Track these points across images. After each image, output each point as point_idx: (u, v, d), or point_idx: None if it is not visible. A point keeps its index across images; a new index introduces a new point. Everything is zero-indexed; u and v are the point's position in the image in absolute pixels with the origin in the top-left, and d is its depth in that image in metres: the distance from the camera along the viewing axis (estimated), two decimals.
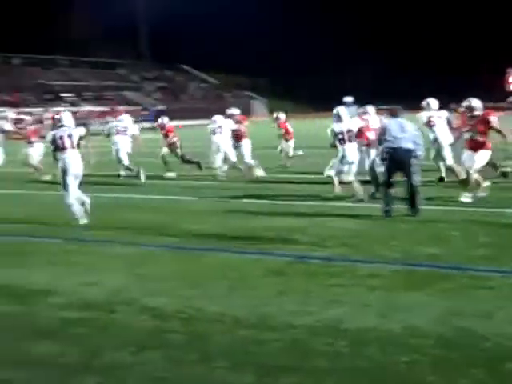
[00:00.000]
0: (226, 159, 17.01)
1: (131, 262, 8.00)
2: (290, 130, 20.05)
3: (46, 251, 8.85)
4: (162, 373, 4.66)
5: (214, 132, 17.08)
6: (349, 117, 12.75)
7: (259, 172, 16.97)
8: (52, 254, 8.64)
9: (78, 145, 11.17)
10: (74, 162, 10.92)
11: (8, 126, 18.07)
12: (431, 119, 14.40)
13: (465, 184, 11.86)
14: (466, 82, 59.63)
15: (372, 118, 14.37)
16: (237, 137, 17.35)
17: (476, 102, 12.00)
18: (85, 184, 11.24)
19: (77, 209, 10.75)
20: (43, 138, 15.92)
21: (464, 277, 6.79)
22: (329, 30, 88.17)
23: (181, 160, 18.22)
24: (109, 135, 18.43)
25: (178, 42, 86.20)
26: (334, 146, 12.47)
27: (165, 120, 19.05)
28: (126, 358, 4.92)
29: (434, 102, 14.62)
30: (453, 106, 16.49)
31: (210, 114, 19.30)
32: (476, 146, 11.67)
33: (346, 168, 12.34)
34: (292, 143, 19.98)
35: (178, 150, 18.17)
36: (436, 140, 14.15)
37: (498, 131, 11.66)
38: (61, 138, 11.02)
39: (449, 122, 14.23)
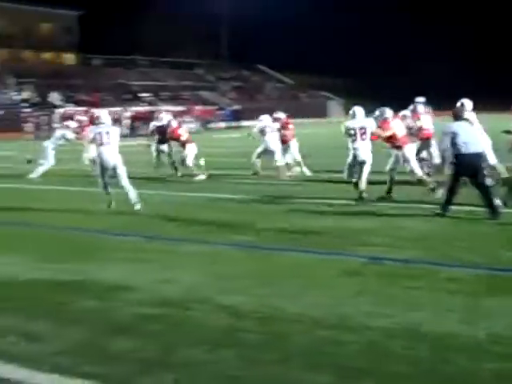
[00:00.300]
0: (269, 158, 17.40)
1: (205, 260, 8.02)
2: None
3: (121, 248, 8.96)
4: (235, 372, 4.63)
5: (263, 132, 17.34)
6: (364, 116, 12.81)
7: (307, 172, 17.29)
8: (128, 250, 8.74)
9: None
10: (110, 157, 11.92)
11: (70, 135, 18.60)
12: None
13: None
14: None
15: (424, 118, 14.59)
16: (283, 141, 17.57)
17: None
18: (153, 182, 11.39)
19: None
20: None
21: None
22: (405, 30, 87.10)
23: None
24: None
25: (256, 42, 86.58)
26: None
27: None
28: (201, 356, 4.91)
29: (468, 103, 14.40)
30: None
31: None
32: None
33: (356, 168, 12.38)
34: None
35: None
36: None
37: None
38: (99, 134, 12.10)
39: None
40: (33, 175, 17.61)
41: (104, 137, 12.07)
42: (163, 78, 79.58)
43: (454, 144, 10.21)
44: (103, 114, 12.88)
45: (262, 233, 9.68)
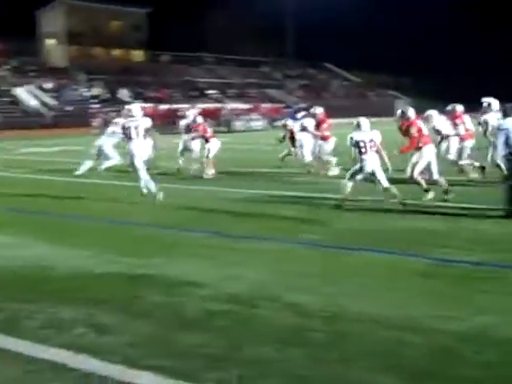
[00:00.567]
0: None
1: (273, 258, 8.01)
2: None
3: (189, 243, 9.02)
4: (303, 371, 4.61)
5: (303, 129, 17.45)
6: (369, 128, 12.20)
7: (334, 171, 17.03)
8: (195, 246, 8.81)
9: (145, 135, 13.02)
10: (139, 150, 12.63)
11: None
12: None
13: None
14: None
15: (465, 119, 14.78)
16: (321, 137, 17.55)
17: None
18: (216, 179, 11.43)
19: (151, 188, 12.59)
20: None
21: None
22: (473, 29, 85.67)
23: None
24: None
25: (322, 40, 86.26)
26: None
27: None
28: (268, 354, 4.91)
29: (495, 103, 14.11)
30: None
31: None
32: None
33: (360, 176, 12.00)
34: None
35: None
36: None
37: None
38: (128, 128, 12.74)
39: None
40: (78, 172, 17.58)
41: (133, 132, 12.69)
42: (229, 75, 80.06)
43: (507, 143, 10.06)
44: (135, 107, 13.44)
45: (329, 231, 9.64)
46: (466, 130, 15.45)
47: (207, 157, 17.48)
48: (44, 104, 56.47)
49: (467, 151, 15.47)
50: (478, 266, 7.42)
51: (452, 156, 15.60)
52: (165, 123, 37.90)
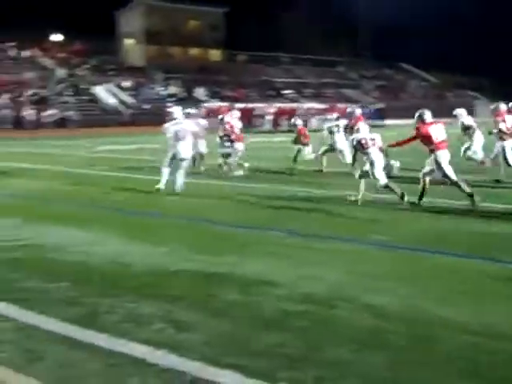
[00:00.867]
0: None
1: (349, 259, 7.94)
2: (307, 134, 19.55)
3: (264, 242, 9.02)
4: (382, 373, 4.55)
5: (331, 131, 17.22)
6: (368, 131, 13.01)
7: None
8: (270, 244, 8.80)
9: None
10: (185, 151, 13.90)
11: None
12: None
13: None
14: None
15: (508, 118, 15.01)
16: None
17: None
18: (289, 178, 11.39)
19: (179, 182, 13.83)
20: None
21: None
22: None
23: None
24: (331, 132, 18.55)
25: (398, 40, 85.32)
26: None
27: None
28: (346, 355, 4.85)
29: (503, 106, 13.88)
30: None
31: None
32: None
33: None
34: (310, 148, 19.30)
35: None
36: None
37: None
38: (179, 131, 13.83)
39: None
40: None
41: (181, 133, 13.83)
42: (305, 75, 79.91)
43: None
44: (176, 110, 14.56)
45: (405, 233, 9.50)
46: (508, 128, 15.52)
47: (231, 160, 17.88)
48: (122, 102, 57.50)
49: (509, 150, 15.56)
50: None
51: (480, 155, 16.72)
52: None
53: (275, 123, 51.60)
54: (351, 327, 5.46)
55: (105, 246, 8.76)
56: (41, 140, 35.25)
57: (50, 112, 49.57)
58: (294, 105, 56.63)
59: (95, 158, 24.28)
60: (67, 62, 63.10)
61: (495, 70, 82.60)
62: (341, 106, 57.37)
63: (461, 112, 17.89)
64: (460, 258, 7.91)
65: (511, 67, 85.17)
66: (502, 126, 15.35)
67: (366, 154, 12.57)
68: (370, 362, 4.73)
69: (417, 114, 12.66)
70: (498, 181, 15.25)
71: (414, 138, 12.51)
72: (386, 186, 12.28)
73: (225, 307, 6.04)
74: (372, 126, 15.60)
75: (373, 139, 12.71)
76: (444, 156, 12.11)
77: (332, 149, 18.11)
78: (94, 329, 5.42)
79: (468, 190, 11.87)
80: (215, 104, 52.73)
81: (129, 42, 74.70)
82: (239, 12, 79.38)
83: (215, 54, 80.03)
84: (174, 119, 14.24)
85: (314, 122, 49.09)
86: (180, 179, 14.03)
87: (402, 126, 18.04)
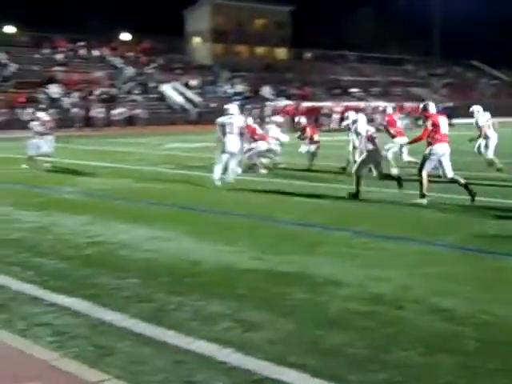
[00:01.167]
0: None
1: (416, 260, 7.85)
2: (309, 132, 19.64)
3: (330, 242, 9.01)
4: (453, 379, 4.46)
5: (349, 128, 16.98)
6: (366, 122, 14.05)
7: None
8: (336, 244, 8.78)
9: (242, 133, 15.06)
10: (232, 144, 14.52)
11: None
12: None
13: None
14: None
15: None
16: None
17: None
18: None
19: (216, 173, 14.63)
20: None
21: None
22: None
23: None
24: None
25: (469, 38, 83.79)
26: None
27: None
28: (414, 358, 4.80)
29: None
30: None
31: (501, 112, 18.67)
32: None
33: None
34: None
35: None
36: None
37: None
38: (224, 125, 14.58)
39: None
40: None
41: (228, 127, 14.57)
42: (372, 73, 79.24)
43: None
44: (232, 107, 15.44)
45: (468, 233, 9.35)
46: None
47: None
48: (189, 100, 58.07)
49: None
50: None
51: (490, 155, 17.14)
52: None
53: (341, 122, 51.33)
54: (419, 329, 5.39)
55: (173, 243, 8.88)
56: (110, 138, 35.84)
57: (118, 110, 50.41)
58: (361, 103, 56.14)
59: (163, 155, 24.56)
60: (136, 60, 64.03)
61: None
62: (409, 104, 56.78)
63: (478, 109, 17.70)
64: None
65: None
66: None
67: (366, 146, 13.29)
68: (440, 366, 4.66)
69: (421, 106, 12.89)
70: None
71: (426, 129, 12.37)
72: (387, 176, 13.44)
73: (291, 307, 6.04)
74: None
75: (369, 131, 13.50)
76: (444, 149, 12.19)
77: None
78: (162, 326, 5.50)
79: (463, 182, 12.17)
80: (281, 102, 52.73)
81: (196, 40, 75.38)
82: (305, 10, 79.28)
83: (281, 53, 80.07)
84: (230, 115, 15.08)
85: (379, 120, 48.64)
86: (231, 173, 14.90)
87: (471, 125, 17.68)
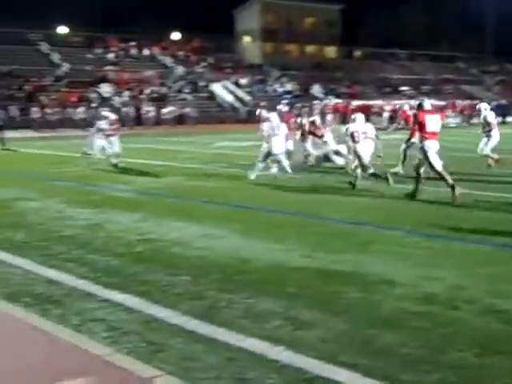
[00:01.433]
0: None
1: (468, 260, 7.74)
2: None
3: (382, 240, 8.93)
4: (509, 381, 4.42)
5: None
6: (364, 122, 14.81)
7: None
8: (388, 243, 8.71)
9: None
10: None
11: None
12: None
13: None
14: None
15: None
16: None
17: None
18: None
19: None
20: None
21: None
22: None
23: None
24: None
25: None
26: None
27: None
28: (470, 359, 4.74)
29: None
30: None
31: None
32: None
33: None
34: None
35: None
36: None
37: None
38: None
39: None
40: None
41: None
42: (423, 71, 78.38)
43: None
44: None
45: None
46: None
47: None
48: (239, 99, 58.21)
49: None
50: None
51: (487, 150, 17.30)
52: None
53: (392, 120, 50.85)
54: (475, 330, 5.31)
55: (223, 241, 8.91)
56: (160, 137, 36.13)
57: (168, 109, 50.77)
58: (412, 101, 55.61)
59: (213, 154, 24.65)
60: (186, 59, 64.42)
61: None
62: (460, 102, 56.05)
63: (485, 107, 17.55)
64: None
65: None
66: None
67: (355, 146, 14.16)
68: (496, 367, 4.58)
69: (417, 103, 13.39)
70: None
71: (414, 126, 13.14)
72: (374, 175, 13.97)
73: (344, 305, 6.01)
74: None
75: (365, 132, 14.32)
76: (432, 146, 12.35)
77: None
78: (213, 323, 5.52)
79: (451, 181, 12.17)
80: (331, 101, 52.51)
81: (246, 39, 75.52)
82: (355, 8, 78.78)
83: (331, 51, 79.70)
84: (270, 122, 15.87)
85: None
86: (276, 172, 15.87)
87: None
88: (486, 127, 17.62)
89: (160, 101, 52.73)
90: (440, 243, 8.72)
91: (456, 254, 8.05)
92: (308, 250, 8.23)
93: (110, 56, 60.35)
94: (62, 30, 64.43)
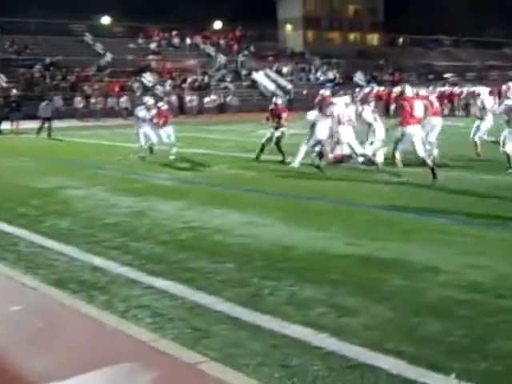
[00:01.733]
0: None
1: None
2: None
3: (426, 228, 8.86)
4: None
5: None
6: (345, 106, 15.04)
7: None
8: (432, 231, 8.62)
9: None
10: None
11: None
12: None
13: None
14: None
15: None
16: None
17: None
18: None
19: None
20: None
21: None
22: None
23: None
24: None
25: None
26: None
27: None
28: None
29: None
30: None
31: None
32: None
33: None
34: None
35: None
36: None
37: None
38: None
39: None
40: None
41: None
42: (468, 57, 77.29)
43: None
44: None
45: None
46: None
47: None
48: (280, 87, 58.07)
49: None
50: None
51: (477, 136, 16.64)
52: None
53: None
54: None
55: (266, 228, 8.92)
56: (202, 125, 36.24)
57: (211, 98, 50.90)
58: (456, 89, 54.85)
59: (254, 142, 24.59)
60: (228, 48, 64.45)
61: None
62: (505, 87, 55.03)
63: (484, 91, 17.43)
64: None
65: None
66: None
67: (337, 128, 14.40)
68: None
69: (400, 89, 14.05)
70: None
71: (401, 105, 13.21)
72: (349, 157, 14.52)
73: (388, 293, 5.97)
74: None
75: (349, 115, 14.54)
76: (415, 131, 12.79)
77: None
78: (257, 310, 5.54)
79: (431, 164, 12.70)
80: (374, 88, 52.12)
81: (288, 27, 75.24)
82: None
83: (374, 38, 79.07)
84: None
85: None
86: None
87: None
88: (482, 112, 17.00)
89: (202, 90, 52.89)
90: (484, 231, 8.63)
91: (500, 242, 7.97)
92: (351, 237, 8.20)
93: (153, 45, 60.66)
94: (105, 20, 64.96)
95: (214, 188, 13.14)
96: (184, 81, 54.37)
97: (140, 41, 61.00)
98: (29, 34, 54.30)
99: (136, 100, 38.72)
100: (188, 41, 63.65)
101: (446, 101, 45.96)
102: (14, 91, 38.29)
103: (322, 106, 16.14)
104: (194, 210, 10.36)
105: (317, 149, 15.15)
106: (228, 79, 57.80)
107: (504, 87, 17.14)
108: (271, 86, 58.15)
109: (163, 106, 19.67)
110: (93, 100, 46.11)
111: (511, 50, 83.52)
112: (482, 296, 5.82)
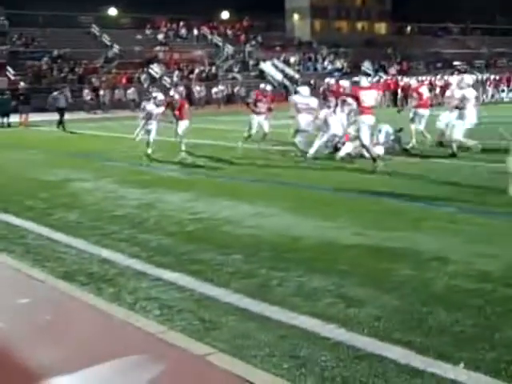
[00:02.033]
0: None
1: None
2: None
3: (434, 217, 8.84)
4: None
5: None
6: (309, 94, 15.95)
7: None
8: (440, 220, 8.61)
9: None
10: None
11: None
12: None
13: None
14: None
15: None
16: None
17: None
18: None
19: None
20: None
21: None
22: None
23: None
24: None
25: None
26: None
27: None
28: None
29: None
30: None
31: None
32: None
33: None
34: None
35: None
36: None
37: None
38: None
39: None
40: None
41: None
42: (477, 45, 76.89)
43: None
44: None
45: None
46: None
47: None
48: (288, 77, 57.93)
49: None
50: None
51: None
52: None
53: (443, 96, 50.14)
54: None
55: (274, 219, 8.92)
56: (210, 116, 36.19)
57: (218, 88, 50.82)
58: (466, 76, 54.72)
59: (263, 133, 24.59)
60: (235, 38, 64.33)
61: None
62: None
63: (467, 82, 16.64)
64: None
65: None
66: None
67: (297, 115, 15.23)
68: None
69: (356, 79, 14.62)
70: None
71: (348, 96, 14.29)
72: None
73: (396, 283, 5.95)
74: None
75: (307, 104, 15.15)
76: (366, 120, 13.23)
77: None
78: (265, 301, 5.53)
79: (373, 155, 13.31)
80: (382, 78, 51.95)
81: (295, 17, 75.00)
82: None
83: (382, 27, 78.77)
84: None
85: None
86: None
87: None
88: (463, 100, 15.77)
89: (210, 80, 52.83)
90: (492, 220, 8.60)
91: (508, 231, 7.94)
92: (359, 227, 8.19)
93: (160, 36, 60.59)
94: (112, 12, 64.94)
95: (222, 179, 13.14)
96: (191, 72, 54.33)
97: (147, 32, 60.95)
98: (36, 26, 54.36)
99: (143, 92, 38.71)
100: (195, 31, 63.54)
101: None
102: (22, 84, 38.35)
103: (327, 95, 16.40)
104: (202, 202, 10.36)
105: (333, 143, 15.38)
106: (235, 69, 57.71)
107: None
108: (279, 76, 57.96)
109: (174, 95, 19.12)
110: (101, 92, 46.12)
111: None
112: (491, 285, 5.79)
